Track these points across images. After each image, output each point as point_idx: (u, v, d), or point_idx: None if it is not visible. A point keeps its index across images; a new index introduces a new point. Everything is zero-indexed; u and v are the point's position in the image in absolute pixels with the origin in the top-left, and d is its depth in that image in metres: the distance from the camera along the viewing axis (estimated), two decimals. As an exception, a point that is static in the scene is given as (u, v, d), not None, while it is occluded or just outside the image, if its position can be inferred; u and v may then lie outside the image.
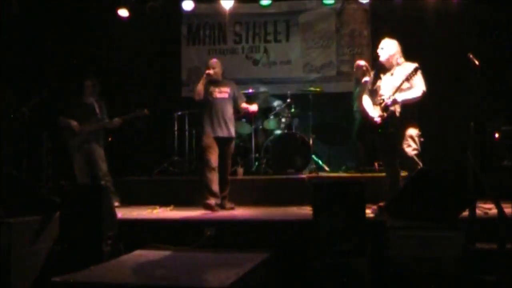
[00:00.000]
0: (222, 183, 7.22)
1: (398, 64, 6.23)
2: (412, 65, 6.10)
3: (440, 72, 8.48)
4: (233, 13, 9.97)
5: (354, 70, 8.75)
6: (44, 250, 5.46)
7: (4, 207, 5.49)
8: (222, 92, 7.31)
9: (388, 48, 6.25)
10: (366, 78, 7.61)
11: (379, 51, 6.30)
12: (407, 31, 8.98)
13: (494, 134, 6.70)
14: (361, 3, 9.63)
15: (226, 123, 7.24)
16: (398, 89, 6.00)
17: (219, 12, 9.90)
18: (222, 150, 7.21)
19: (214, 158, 7.12)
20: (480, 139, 6.50)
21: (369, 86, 6.46)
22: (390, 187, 6.29)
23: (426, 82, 6.08)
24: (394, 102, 6.02)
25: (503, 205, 5.08)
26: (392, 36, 6.34)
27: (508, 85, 8.20)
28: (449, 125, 8.54)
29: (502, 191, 5.46)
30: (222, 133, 7.21)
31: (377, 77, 6.36)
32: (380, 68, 6.36)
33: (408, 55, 6.35)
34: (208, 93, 7.24)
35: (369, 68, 8.33)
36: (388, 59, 6.25)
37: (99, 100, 8.00)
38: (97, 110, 7.89)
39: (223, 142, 7.23)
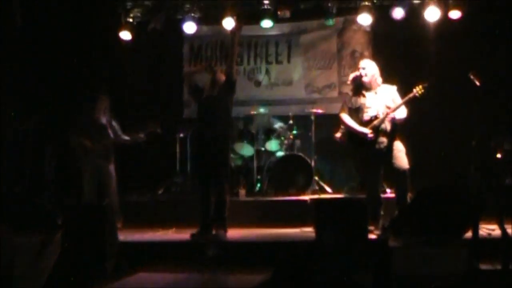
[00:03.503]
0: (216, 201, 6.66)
1: (378, 84, 6.64)
2: (393, 87, 6.61)
3: (443, 91, 8.50)
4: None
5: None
6: (46, 268, 5.43)
7: (6, 225, 5.48)
8: (214, 92, 6.79)
9: (371, 68, 6.64)
10: None
11: (362, 71, 6.61)
12: (409, 52, 9.05)
13: (497, 152, 6.70)
14: (362, 24, 9.63)
15: (212, 120, 6.67)
16: (396, 108, 6.37)
17: (220, 33, 9.90)
18: (211, 153, 6.65)
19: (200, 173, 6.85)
20: (483, 158, 6.52)
21: (349, 105, 6.70)
22: (373, 210, 6.21)
23: (429, 101, 6.30)
24: (393, 119, 6.39)
25: (506, 225, 5.08)
26: (394, 56, 6.45)
27: (511, 103, 8.20)
28: (451, 144, 8.52)
29: (504, 210, 5.46)
30: (208, 134, 6.68)
31: (357, 97, 6.66)
32: (360, 88, 6.68)
33: (409, 75, 6.47)
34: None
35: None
36: (371, 79, 6.59)
37: (110, 118, 7.95)
38: (109, 128, 7.83)
39: (210, 143, 6.66)
